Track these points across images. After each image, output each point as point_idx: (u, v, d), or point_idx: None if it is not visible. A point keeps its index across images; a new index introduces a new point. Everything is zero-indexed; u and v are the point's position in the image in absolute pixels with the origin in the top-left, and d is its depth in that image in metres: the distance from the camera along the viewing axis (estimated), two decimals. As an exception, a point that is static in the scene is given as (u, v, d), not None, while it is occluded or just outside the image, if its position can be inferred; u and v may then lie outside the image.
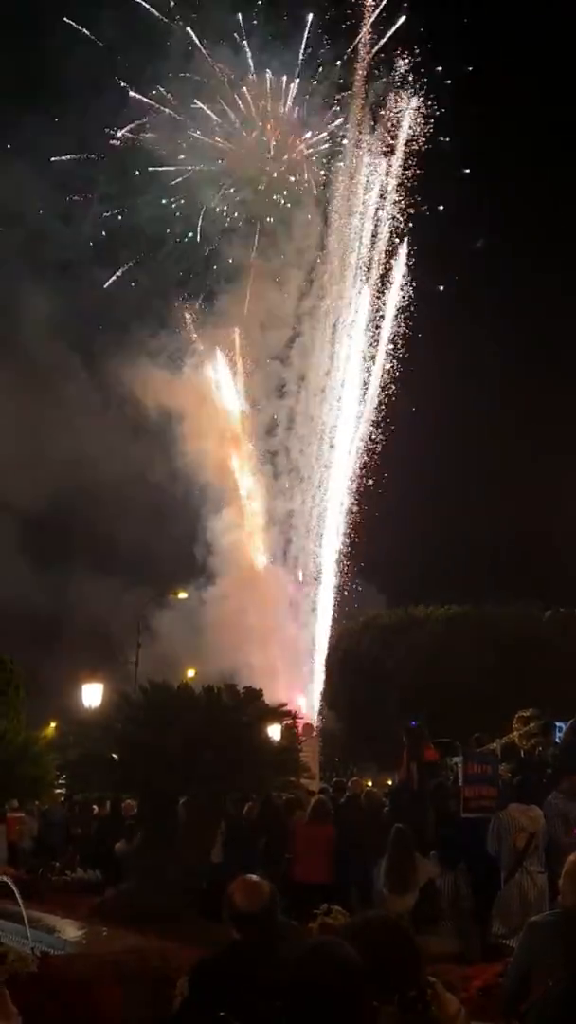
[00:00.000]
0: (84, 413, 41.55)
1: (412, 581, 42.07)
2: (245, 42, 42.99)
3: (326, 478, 42.09)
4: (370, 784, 19.64)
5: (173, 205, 44.04)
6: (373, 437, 41.65)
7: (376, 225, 42.70)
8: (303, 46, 43.14)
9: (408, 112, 41.96)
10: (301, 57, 43.24)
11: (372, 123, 42.77)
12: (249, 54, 43.17)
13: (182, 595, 38.96)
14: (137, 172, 43.96)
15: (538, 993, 4.27)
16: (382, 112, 42.59)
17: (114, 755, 11.78)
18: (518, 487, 39.71)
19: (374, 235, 42.67)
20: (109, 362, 41.39)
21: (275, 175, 44.21)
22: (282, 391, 43.17)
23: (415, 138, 42.02)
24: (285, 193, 44.32)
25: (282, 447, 43.02)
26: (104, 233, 44.41)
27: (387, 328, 42.13)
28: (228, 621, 37.93)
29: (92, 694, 22.04)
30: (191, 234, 44.16)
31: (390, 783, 19.71)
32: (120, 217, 44.36)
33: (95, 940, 8.89)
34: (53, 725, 25.60)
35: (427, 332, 42.40)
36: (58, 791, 19.75)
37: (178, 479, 40.87)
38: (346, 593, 41.75)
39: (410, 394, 42.11)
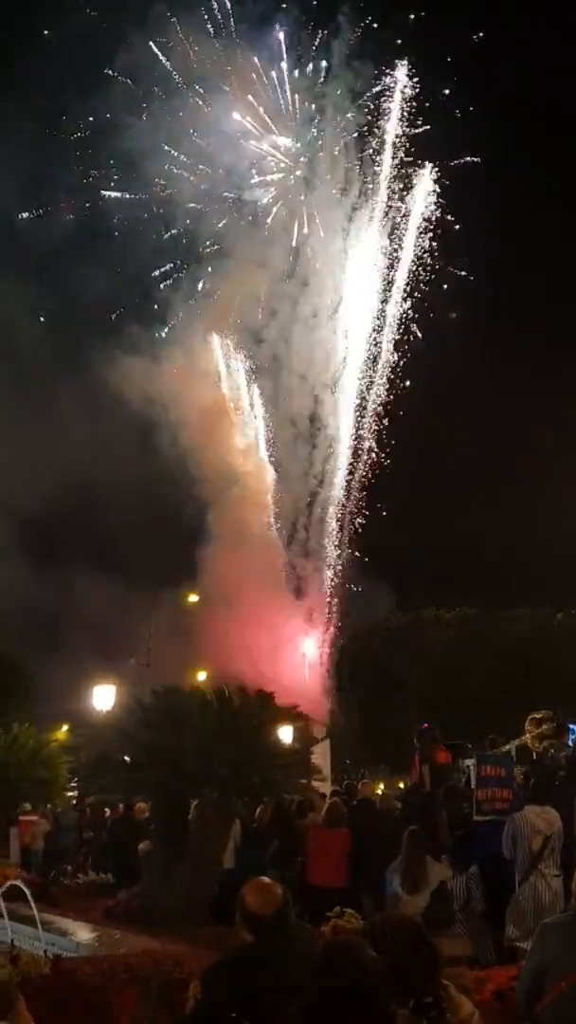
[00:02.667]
0: (75, 411, 41.47)
1: (422, 583, 42.01)
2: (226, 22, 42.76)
3: (313, 472, 42.39)
4: (381, 787, 19.64)
5: (149, 195, 43.90)
6: (382, 433, 41.96)
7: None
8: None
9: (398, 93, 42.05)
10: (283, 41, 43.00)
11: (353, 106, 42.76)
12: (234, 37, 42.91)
13: (192, 597, 38.93)
14: (111, 162, 43.68)
15: (551, 995, 4.24)
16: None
17: (126, 758, 11.78)
18: (529, 487, 39.55)
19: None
20: (95, 359, 41.48)
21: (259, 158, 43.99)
22: (260, 373, 43.32)
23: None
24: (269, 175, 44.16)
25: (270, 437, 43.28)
26: (80, 227, 44.05)
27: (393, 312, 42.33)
28: (230, 611, 37.81)
29: (103, 697, 22.04)
30: (169, 223, 43.97)
31: (401, 785, 19.69)
32: (92, 209, 44.14)
33: (107, 943, 8.90)
34: (65, 728, 25.65)
35: (433, 320, 42.37)
36: (70, 794, 19.77)
37: (175, 471, 41.08)
38: (356, 589, 42.03)
39: (417, 392, 42.20)
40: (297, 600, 41.69)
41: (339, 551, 42.70)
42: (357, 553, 42.46)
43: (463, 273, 42.94)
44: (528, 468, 40.68)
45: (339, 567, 42.66)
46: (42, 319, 42.16)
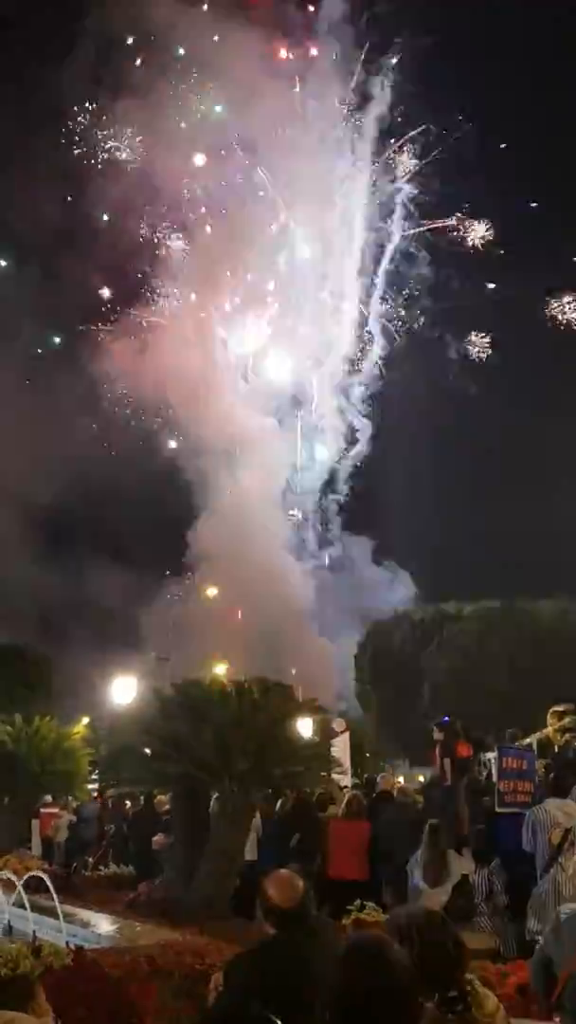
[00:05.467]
0: (79, 402, 41.45)
1: (445, 575, 41.90)
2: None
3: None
4: (401, 780, 19.60)
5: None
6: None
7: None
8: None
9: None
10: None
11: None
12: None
13: (211, 590, 38.91)
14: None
15: (561, 983, 4.24)
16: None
17: (146, 750, 11.82)
18: (553, 478, 39.17)
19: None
20: (89, 347, 41.47)
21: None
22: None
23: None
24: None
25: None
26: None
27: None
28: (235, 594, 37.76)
29: (123, 690, 22.14)
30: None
31: (421, 779, 19.65)
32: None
33: (129, 934, 8.94)
34: (86, 720, 25.75)
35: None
36: (91, 787, 19.86)
37: (178, 457, 41.14)
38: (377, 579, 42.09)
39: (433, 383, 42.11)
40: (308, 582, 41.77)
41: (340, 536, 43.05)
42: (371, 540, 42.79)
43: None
44: (553, 457, 40.28)
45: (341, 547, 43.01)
46: (35, 310, 41.77)
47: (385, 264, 43.65)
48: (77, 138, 43.27)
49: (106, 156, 42.86)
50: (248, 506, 40.27)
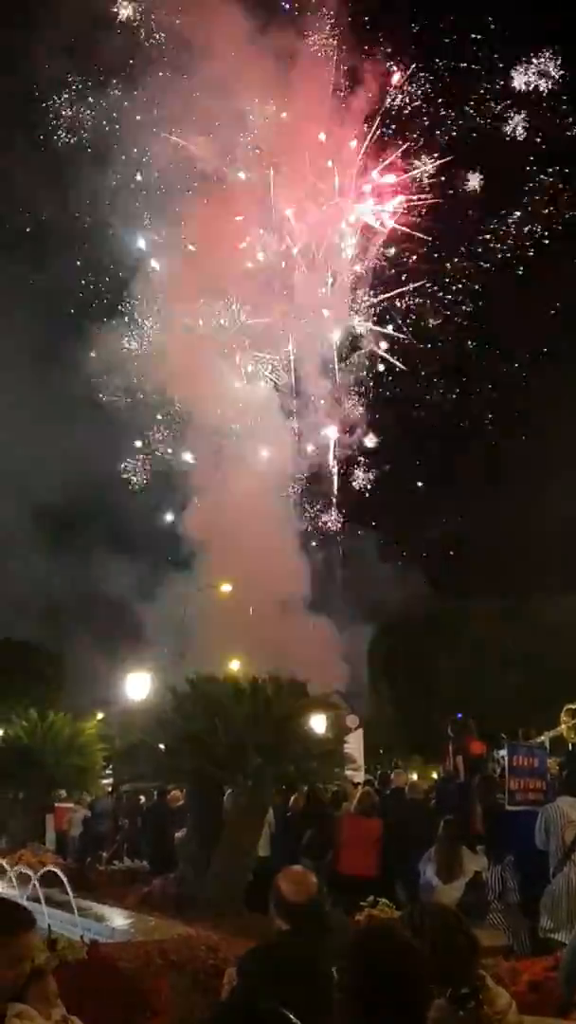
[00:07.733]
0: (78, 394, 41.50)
1: (458, 572, 41.80)
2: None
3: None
4: (414, 776, 19.61)
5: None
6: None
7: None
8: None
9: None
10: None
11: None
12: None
13: (225, 587, 38.78)
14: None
15: None
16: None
17: (161, 745, 11.86)
18: (568, 474, 38.94)
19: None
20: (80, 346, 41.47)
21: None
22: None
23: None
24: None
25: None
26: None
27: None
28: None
29: (137, 685, 22.18)
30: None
31: (435, 776, 19.64)
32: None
33: (143, 929, 8.98)
34: (100, 716, 25.86)
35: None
36: (105, 782, 19.94)
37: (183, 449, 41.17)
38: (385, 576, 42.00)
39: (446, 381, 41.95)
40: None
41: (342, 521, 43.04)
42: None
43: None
44: (566, 453, 40.03)
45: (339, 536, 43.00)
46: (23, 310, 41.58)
47: (377, 253, 43.49)
48: (56, 122, 42.90)
49: (88, 141, 42.56)
50: (246, 494, 40.07)
